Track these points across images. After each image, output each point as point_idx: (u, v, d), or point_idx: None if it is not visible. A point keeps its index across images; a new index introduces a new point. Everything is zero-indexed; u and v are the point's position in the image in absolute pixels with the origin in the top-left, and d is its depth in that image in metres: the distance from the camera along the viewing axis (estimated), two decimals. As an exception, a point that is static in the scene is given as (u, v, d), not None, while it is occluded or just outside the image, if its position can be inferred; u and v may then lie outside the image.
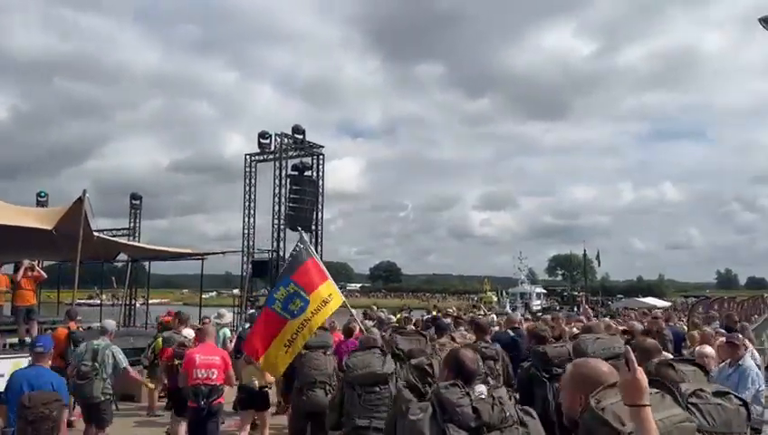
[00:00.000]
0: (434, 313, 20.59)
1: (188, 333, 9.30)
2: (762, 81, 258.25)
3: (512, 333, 8.59)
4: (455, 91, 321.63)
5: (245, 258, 31.69)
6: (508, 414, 2.85)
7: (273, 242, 30.68)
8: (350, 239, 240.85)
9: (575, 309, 57.67)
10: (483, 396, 2.87)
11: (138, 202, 33.64)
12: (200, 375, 6.85)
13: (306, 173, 31.53)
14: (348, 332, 8.97)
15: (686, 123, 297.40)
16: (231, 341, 11.63)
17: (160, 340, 10.05)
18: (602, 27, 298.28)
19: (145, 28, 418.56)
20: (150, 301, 27.89)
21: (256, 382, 7.67)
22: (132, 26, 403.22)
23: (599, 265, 78.84)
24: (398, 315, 16.56)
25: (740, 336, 6.99)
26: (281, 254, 30.18)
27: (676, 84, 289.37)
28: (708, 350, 6.37)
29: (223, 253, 24.37)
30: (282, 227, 30.56)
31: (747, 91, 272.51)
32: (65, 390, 5.71)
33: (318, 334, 6.75)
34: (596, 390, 2.21)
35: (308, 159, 31.87)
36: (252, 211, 32.46)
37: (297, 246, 6.92)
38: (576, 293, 76.13)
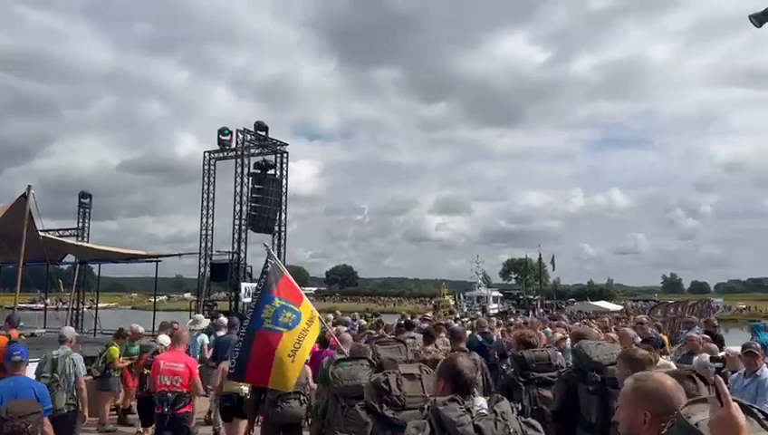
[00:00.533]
0: (408, 317, 19.68)
1: (164, 340, 8.88)
2: (705, 91, 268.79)
3: (480, 338, 8.59)
4: (412, 95, 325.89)
5: (203, 261, 30.05)
6: (512, 430, 2.65)
7: (233, 244, 29.14)
8: (305, 242, 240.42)
9: (530, 313, 58.76)
10: (484, 411, 2.69)
11: (87, 201, 31.70)
12: (165, 382, 6.75)
13: (269, 172, 30.12)
14: (323, 341, 8.31)
15: (635, 131, 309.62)
16: (209, 348, 11.02)
17: (115, 348, 9.71)
18: (555, 37, 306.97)
19: (96, 25, 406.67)
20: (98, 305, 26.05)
21: (244, 388, 7.22)
22: (82, 23, 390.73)
23: (553, 269, 79.85)
24: (371, 321, 15.90)
25: (757, 346, 6.64)
26: (242, 256, 28.77)
27: (625, 94, 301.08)
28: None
29: (179, 255, 23.37)
30: (243, 228, 29.04)
31: (692, 100, 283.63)
32: (48, 398, 5.57)
33: None
34: (663, 404, 2.14)
35: (271, 157, 30.52)
36: (210, 211, 31.01)
37: (268, 262, 6.29)
38: (531, 296, 77.09)
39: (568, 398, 4.49)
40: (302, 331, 5.83)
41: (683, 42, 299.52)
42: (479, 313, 57.23)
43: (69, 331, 7.97)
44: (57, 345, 7.47)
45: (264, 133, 30.05)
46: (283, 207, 30.43)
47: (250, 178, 29.56)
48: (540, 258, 76.79)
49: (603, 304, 79.79)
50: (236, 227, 29.16)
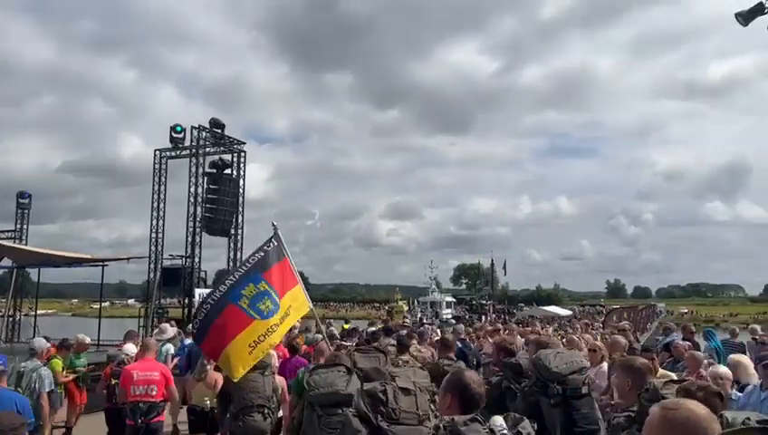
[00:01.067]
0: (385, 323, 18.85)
1: (130, 349, 8.48)
2: (647, 103, 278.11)
3: (459, 345, 8.40)
4: (364, 101, 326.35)
5: (153, 265, 28.30)
6: None
7: (186, 247, 27.50)
8: (254, 247, 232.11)
9: (483, 318, 58.88)
10: (505, 432, 2.54)
11: (26, 201, 29.52)
12: (138, 392, 6.60)
13: (225, 172, 28.66)
14: (293, 348, 8.13)
15: (580, 141, 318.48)
16: (174, 358, 10.81)
17: (58, 361, 9.31)
18: (505, 47, 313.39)
19: (37, 21, 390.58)
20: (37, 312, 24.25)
21: (208, 402, 6.97)
22: (22, 19, 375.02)
23: (504, 274, 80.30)
24: (344, 327, 15.31)
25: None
26: (196, 261, 27.15)
27: (571, 104, 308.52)
28: (723, 370, 5.73)
29: (128, 259, 21.83)
30: (197, 231, 27.43)
31: (634, 111, 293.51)
32: (30, 411, 5.50)
33: None
34: None
35: (228, 157, 29.06)
36: (161, 213, 29.27)
37: (271, 241, 6.23)
38: (484, 302, 77.20)
39: (530, 415, 3.91)
40: (272, 325, 5.71)
41: (626, 55, 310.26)
42: (432, 318, 57.19)
43: (39, 343, 7.80)
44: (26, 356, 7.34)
45: (220, 131, 28.56)
46: (240, 209, 29.01)
47: (205, 178, 28.03)
48: (492, 263, 77.01)
49: (553, 308, 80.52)
50: (190, 229, 27.53)
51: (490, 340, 12.61)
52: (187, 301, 27.04)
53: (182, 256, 27.40)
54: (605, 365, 6.81)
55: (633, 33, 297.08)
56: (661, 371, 6.11)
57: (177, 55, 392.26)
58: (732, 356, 6.78)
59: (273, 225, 6.65)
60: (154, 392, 6.67)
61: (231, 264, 28.88)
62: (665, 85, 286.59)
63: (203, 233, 27.71)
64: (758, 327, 12.96)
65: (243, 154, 29.32)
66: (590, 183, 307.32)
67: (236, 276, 5.90)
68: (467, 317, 61.58)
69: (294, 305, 6.09)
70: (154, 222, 29.08)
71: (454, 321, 44.02)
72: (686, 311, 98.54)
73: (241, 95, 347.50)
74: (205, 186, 27.89)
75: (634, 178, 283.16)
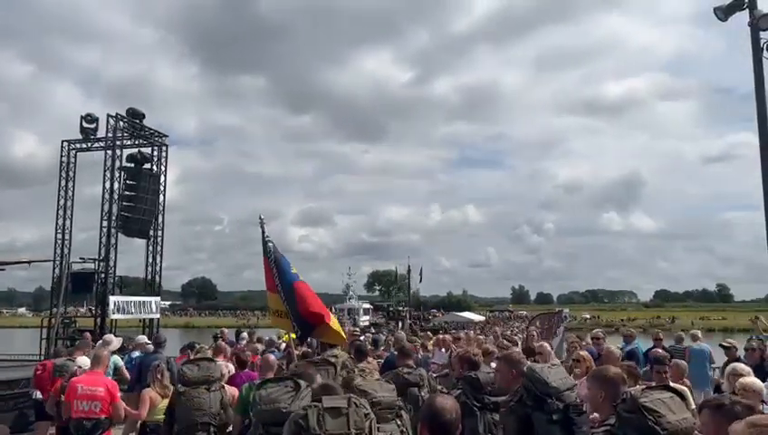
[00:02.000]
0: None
1: (84, 361, 7.92)
2: (549, 117, 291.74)
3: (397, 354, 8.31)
4: (277, 106, 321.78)
5: (58, 269, 25.13)
6: None
7: (99, 250, 24.53)
8: (175, 250, 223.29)
9: (399, 324, 58.88)
10: None
11: None
12: (82, 408, 6.43)
13: (145, 166, 25.92)
14: (241, 361, 7.65)
15: (488, 152, 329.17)
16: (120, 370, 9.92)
17: None
18: (418, 58, 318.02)
19: None
20: None
21: (161, 417, 6.54)
22: None
23: (420, 280, 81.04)
24: (285, 336, 13.60)
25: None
26: (110, 265, 24.31)
27: (480, 116, 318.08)
28: (752, 382, 5.14)
29: (28, 262, 19.57)
30: (113, 231, 24.55)
31: (537, 125, 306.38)
32: None
33: (201, 366, 6.11)
34: None
35: (147, 150, 26.34)
36: (69, 213, 26.06)
37: (269, 240, 6.43)
38: (401, 308, 77.41)
39: (520, 431, 4.01)
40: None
41: (531, 71, 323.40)
42: (349, 325, 58.71)
43: None
44: None
45: (139, 121, 25.83)
46: (161, 209, 26.32)
47: (122, 173, 25.19)
48: (409, 270, 77.05)
49: (468, 314, 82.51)
50: (104, 230, 24.58)
51: (443, 350, 11.56)
52: (99, 309, 24.15)
53: (94, 260, 24.42)
54: None
55: (538, 51, 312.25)
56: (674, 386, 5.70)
57: (78, 51, 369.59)
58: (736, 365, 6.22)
59: (261, 218, 6.48)
60: (98, 409, 6.42)
61: (150, 269, 26.22)
62: (566, 102, 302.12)
63: (118, 234, 24.85)
64: (699, 332, 12.74)
65: (165, 148, 26.71)
66: (497, 193, 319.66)
67: (273, 265, 6.17)
68: (386, 324, 61.67)
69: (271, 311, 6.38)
70: (60, 222, 25.88)
71: (373, 329, 43.71)
72: (588, 316, 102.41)
73: (146, 95, 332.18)
74: (121, 182, 25.05)
75: (537, 190, 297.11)
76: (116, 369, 9.48)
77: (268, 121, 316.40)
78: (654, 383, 5.43)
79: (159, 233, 26.34)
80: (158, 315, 25.57)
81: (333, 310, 71.45)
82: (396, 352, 8.39)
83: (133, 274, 28.17)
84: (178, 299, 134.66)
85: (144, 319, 25.24)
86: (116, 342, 10.44)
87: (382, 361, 8.94)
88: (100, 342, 10.19)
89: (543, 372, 4.08)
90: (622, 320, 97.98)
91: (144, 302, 24.53)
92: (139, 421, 6.97)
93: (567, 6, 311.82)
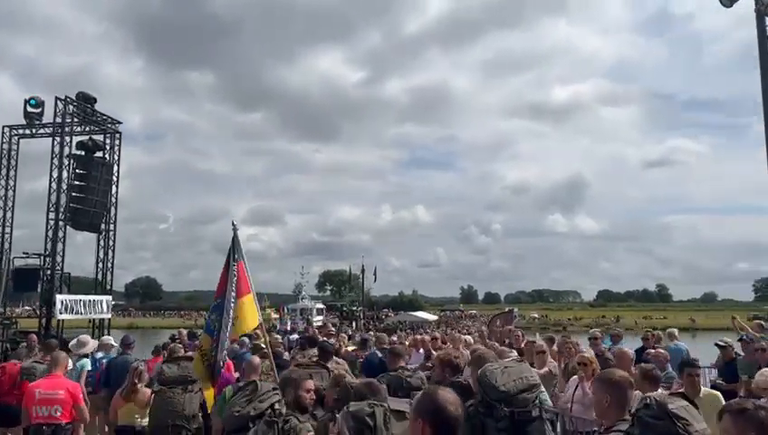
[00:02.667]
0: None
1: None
2: (498, 120, 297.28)
3: (380, 354, 8.08)
4: (227, 103, 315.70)
5: (-1, 266, 23.07)
6: None
7: (45, 244, 22.51)
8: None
9: (353, 324, 58.36)
10: None
11: None
12: (41, 413, 6.19)
13: (97, 154, 24.02)
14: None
15: (438, 154, 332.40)
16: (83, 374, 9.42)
17: None
18: (370, 58, 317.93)
19: None
20: None
21: (139, 420, 6.54)
22: None
23: (375, 280, 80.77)
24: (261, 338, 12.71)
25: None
26: (57, 260, 22.35)
27: (431, 118, 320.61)
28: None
29: None
30: (60, 224, 22.58)
31: (487, 128, 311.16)
32: None
33: (182, 365, 5.99)
34: None
35: (99, 137, 24.43)
36: (10, 204, 24.08)
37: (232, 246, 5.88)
38: (355, 308, 76.77)
39: None
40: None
41: (481, 75, 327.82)
42: (303, 325, 57.73)
43: None
44: None
45: (90, 106, 23.91)
46: (114, 201, 24.45)
47: (71, 162, 23.22)
48: (363, 269, 76.35)
49: (421, 314, 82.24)
50: (51, 223, 22.56)
51: (420, 350, 10.69)
52: (44, 309, 22.18)
53: (39, 255, 22.40)
54: None
55: (488, 55, 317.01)
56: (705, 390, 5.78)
57: (14, 40, 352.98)
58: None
59: (233, 224, 5.99)
60: (59, 413, 6.21)
61: (101, 265, 24.35)
62: (515, 105, 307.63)
63: (66, 227, 22.90)
64: (675, 331, 12.36)
65: (118, 136, 24.82)
66: (446, 194, 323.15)
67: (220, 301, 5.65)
68: (339, 324, 60.98)
69: (240, 317, 5.67)
70: (1, 214, 23.83)
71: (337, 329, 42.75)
72: (536, 315, 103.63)
73: (88, 88, 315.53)
74: (71, 171, 23.08)
75: (486, 191, 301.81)
76: (80, 371, 9.07)
77: (218, 118, 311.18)
78: (678, 388, 5.45)
79: (111, 227, 24.47)
80: (109, 315, 23.76)
81: (285, 310, 70.84)
82: (377, 352, 8.19)
83: (80, 271, 26.26)
84: (122, 299, 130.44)
85: (93, 319, 23.39)
86: (91, 343, 9.87)
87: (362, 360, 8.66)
88: (75, 342, 9.77)
89: (494, 375, 3.87)
90: (569, 319, 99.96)
91: (94, 301, 22.69)
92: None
93: (516, 12, 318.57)
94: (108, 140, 24.57)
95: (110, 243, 24.40)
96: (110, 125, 24.78)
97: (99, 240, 24.16)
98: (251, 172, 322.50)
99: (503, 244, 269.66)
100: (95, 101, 24.20)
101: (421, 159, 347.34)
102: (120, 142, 24.73)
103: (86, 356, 9.54)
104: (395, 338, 14.47)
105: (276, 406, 3.92)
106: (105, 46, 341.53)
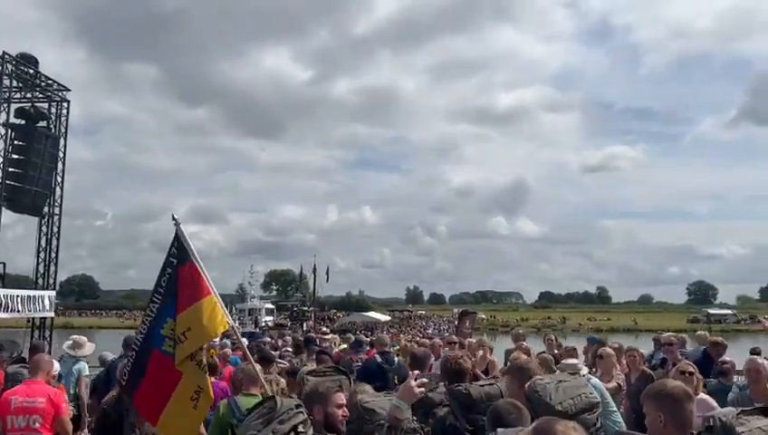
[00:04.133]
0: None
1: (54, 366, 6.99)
2: (444, 124, 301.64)
3: (379, 359, 7.57)
4: (169, 97, 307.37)
5: None
6: None
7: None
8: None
9: (304, 325, 56.77)
10: None
11: None
12: (17, 424, 5.60)
13: (40, 124, 20.51)
14: (211, 367, 6.27)
15: (385, 155, 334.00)
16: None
17: None
18: (319, 57, 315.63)
19: None
20: None
21: None
22: None
23: (327, 280, 79.05)
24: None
25: None
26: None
27: (378, 119, 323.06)
28: None
29: None
30: (-5, 204, 19.04)
31: (433, 131, 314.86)
32: None
33: None
34: None
35: (44, 105, 20.93)
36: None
37: (173, 245, 4.75)
38: (306, 308, 75.35)
39: None
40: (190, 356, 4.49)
41: (429, 78, 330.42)
42: (254, 326, 56.14)
43: None
44: None
45: (33, 68, 20.38)
46: (60, 179, 20.99)
47: (9, 132, 19.66)
48: (314, 269, 74.14)
49: (374, 314, 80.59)
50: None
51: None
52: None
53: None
54: (703, 395, 5.31)
55: (436, 58, 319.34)
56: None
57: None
58: None
59: (174, 219, 4.74)
60: (38, 425, 5.59)
61: (43, 254, 20.85)
62: (461, 109, 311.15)
63: (2, 209, 19.34)
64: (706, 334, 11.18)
65: (66, 104, 21.35)
66: (392, 195, 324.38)
67: (154, 310, 4.59)
68: (289, 325, 59.19)
69: (197, 325, 4.46)
70: None
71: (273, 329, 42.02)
72: (484, 317, 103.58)
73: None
74: (8, 142, 19.51)
75: (431, 193, 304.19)
76: (78, 376, 8.54)
77: (160, 113, 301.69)
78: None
79: (56, 211, 20.99)
80: (51, 314, 20.42)
81: (234, 310, 68.47)
82: (377, 356, 7.65)
83: (14, 266, 22.73)
84: (56, 297, 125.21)
85: (33, 319, 19.96)
86: (88, 346, 9.08)
87: (360, 365, 7.92)
88: (69, 343, 9.02)
89: (546, 391, 3.32)
90: (516, 320, 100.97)
91: (35, 297, 19.39)
92: None
93: (464, 17, 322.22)
94: (54, 109, 21.08)
95: (54, 229, 20.90)
96: (56, 92, 21.26)
97: (41, 225, 20.67)
98: (193, 169, 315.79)
99: (447, 245, 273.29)
100: (37, 62, 20.70)
101: (368, 159, 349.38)
102: (68, 113, 21.32)
103: (83, 359, 8.80)
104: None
105: (300, 428, 3.20)
106: (44, 34, 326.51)
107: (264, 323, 60.18)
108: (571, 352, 8.85)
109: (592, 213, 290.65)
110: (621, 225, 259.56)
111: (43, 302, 19.72)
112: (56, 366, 7.00)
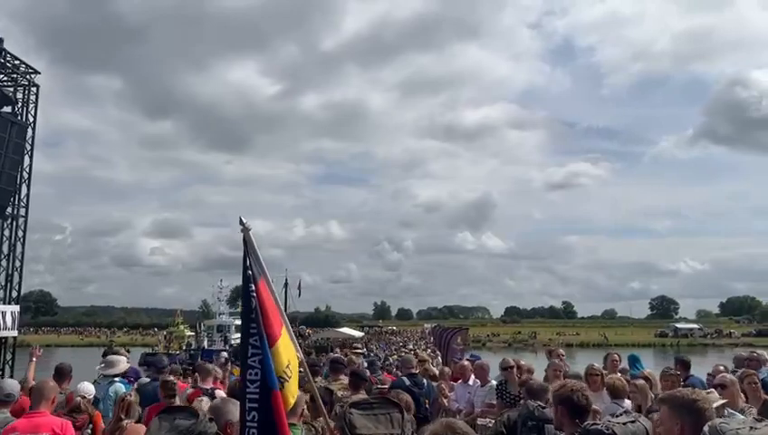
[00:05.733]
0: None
1: (87, 389, 6.68)
2: (411, 140, 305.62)
3: (407, 382, 7.28)
4: (133, 110, 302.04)
5: None
6: None
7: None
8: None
9: None
10: None
11: None
12: None
13: (5, 110, 17.78)
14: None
15: (353, 170, 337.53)
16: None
17: None
18: (286, 72, 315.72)
19: None
20: None
21: None
22: None
23: (299, 295, 77.53)
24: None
25: None
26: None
27: (346, 134, 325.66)
28: None
29: None
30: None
31: (400, 147, 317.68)
32: None
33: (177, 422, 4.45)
34: None
35: (9, 89, 18.21)
36: None
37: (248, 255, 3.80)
38: (278, 325, 72.72)
39: None
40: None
41: (396, 94, 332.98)
42: (223, 343, 54.33)
43: None
44: None
45: (-3, 47, 17.71)
46: (27, 173, 18.22)
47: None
48: (286, 283, 72.03)
49: (347, 330, 78.97)
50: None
51: (473, 379, 8.40)
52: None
53: None
54: None
55: (403, 75, 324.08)
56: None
57: None
58: None
59: (242, 223, 3.73)
60: None
61: (5, 262, 17.97)
62: (427, 125, 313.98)
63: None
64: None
65: (35, 89, 18.63)
66: (360, 210, 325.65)
67: (257, 345, 3.58)
68: None
69: (292, 357, 3.93)
70: None
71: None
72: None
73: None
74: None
75: (398, 208, 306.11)
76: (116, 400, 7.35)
77: (122, 125, 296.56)
78: None
79: (23, 211, 18.13)
80: (15, 333, 17.53)
81: (201, 326, 65.74)
82: (404, 379, 7.40)
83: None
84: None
85: (-7, 337, 17.09)
86: (123, 364, 8.28)
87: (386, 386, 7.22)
88: (101, 365, 8.20)
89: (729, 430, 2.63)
90: (488, 335, 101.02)
91: (-5, 311, 16.48)
92: None
93: (431, 36, 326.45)
94: (21, 95, 18.32)
95: (21, 233, 18.00)
96: (23, 76, 18.53)
97: (3, 228, 17.79)
98: (157, 182, 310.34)
99: (414, 260, 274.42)
100: (2, 40, 18.01)
101: (335, 174, 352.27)
102: (36, 98, 18.59)
103: (117, 378, 7.95)
104: (333, 355, 12.83)
105: None
106: (4, 44, 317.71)
107: (233, 341, 58.44)
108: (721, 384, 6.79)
109: (556, 229, 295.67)
110: (584, 241, 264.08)
111: (4, 318, 16.83)
112: (90, 389, 6.70)
